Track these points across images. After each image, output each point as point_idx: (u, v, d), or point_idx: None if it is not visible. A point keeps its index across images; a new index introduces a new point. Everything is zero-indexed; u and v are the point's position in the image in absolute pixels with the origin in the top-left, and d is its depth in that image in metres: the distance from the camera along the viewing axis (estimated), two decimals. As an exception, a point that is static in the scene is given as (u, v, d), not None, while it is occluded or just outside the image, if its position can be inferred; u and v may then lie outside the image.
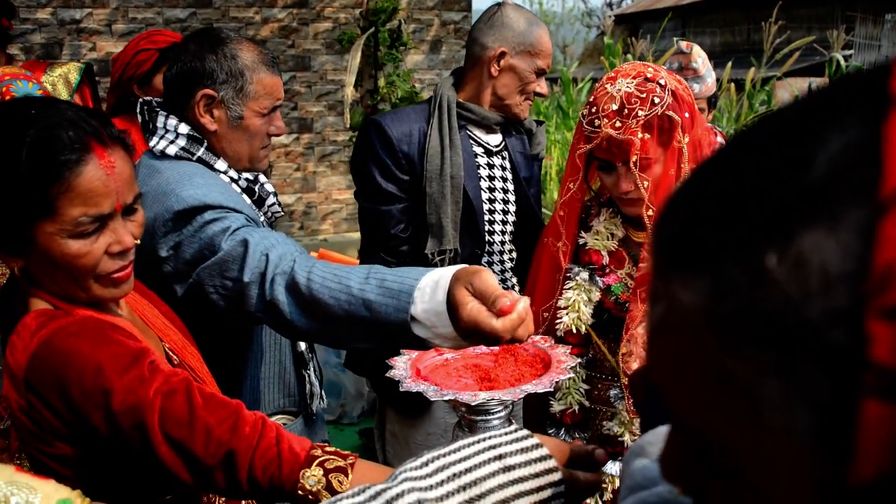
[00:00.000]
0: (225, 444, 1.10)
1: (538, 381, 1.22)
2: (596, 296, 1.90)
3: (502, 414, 1.20)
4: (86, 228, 1.17)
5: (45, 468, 1.18)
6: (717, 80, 6.38)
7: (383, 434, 2.64)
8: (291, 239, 1.56)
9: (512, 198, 2.37)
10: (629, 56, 9.23)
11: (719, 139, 2.99)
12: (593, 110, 1.79)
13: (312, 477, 1.07)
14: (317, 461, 1.08)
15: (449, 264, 2.14)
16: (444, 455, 0.82)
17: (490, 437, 0.84)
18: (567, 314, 1.91)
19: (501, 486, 0.79)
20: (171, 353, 1.40)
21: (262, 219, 1.82)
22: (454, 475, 0.80)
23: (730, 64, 5.44)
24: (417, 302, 1.21)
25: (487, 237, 2.32)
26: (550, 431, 1.97)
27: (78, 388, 1.11)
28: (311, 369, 1.93)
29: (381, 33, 4.22)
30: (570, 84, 9.89)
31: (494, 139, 2.37)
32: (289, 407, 1.89)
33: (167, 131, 1.73)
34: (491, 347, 1.61)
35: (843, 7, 14.95)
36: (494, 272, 2.34)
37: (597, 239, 1.93)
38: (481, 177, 2.31)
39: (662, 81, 1.76)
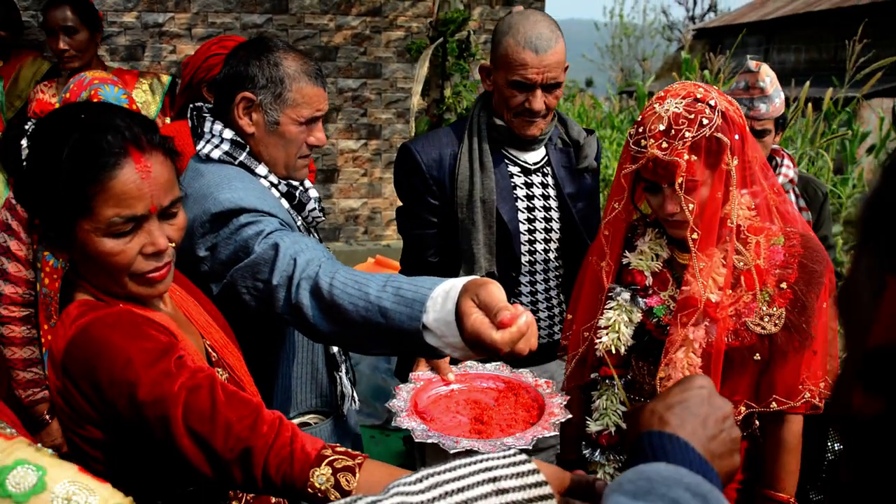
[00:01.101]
0: (244, 441, 1.13)
1: (522, 434, 1.34)
2: (637, 317, 1.88)
3: None
4: (119, 228, 1.23)
5: (78, 450, 1.25)
6: (795, 98, 6.20)
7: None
8: (322, 245, 1.61)
9: (555, 215, 2.31)
10: (706, 72, 9.05)
11: (786, 161, 2.90)
12: (640, 130, 1.77)
13: (322, 475, 1.10)
14: (326, 460, 1.11)
15: None
16: (438, 473, 0.83)
17: (487, 459, 0.84)
18: (607, 334, 1.89)
19: None
20: (210, 351, 1.45)
21: (299, 222, 1.87)
22: (446, 493, 0.80)
23: (808, 83, 5.27)
24: (430, 311, 1.24)
25: (529, 257, 2.28)
26: (586, 452, 1.95)
27: (107, 377, 1.17)
28: (343, 371, 1.96)
29: (450, 44, 4.27)
30: (646, 98, 9.75)
31: (534, 156, 2.30)
32: (320, 407, 1.93)
33: (213, 136, 1.80)
34: (496, 384, 1.67)
35: (939, 25, 14.33)
36: (538, 291, 2.31)
37: (641, 259, 1.90)
38: (518, 197, 2.27)
39: (712, 102, 1.73)
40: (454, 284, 1.24)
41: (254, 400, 1.21)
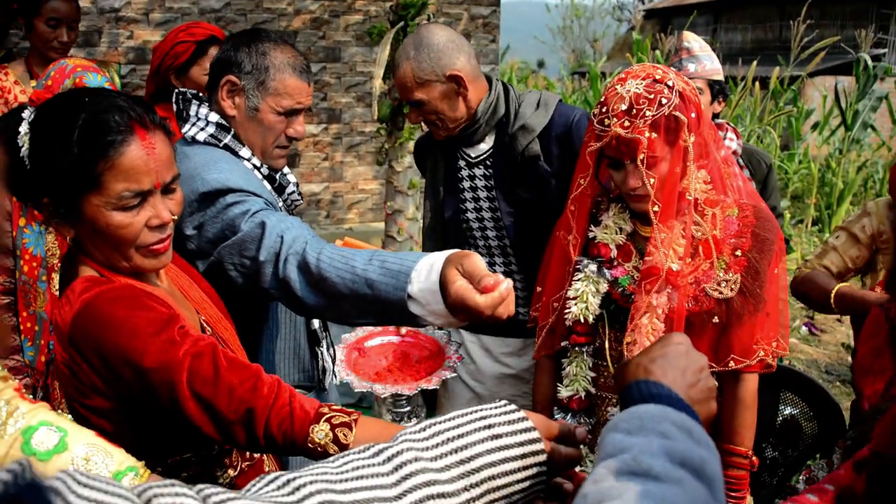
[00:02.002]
0: (246, 402, 1.22)
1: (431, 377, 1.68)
2: (604, 287, 1.99)
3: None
4: (128, 202, 1.31)
5: (83, 420, 1.31)
6: (742, 77, 6.40)
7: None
8: (305, 223, 1.69)
9: (502, 203, 2.37)
10: (657, 52, 9.23)
11: (729, 134, 3.05)
12: (604, 110, 1.87)
13: (321, 431, 1.19)
14: (324, 417, 1.20)
15: None
16: (440, 423, 0.93)
17: (482, 410, 0.95)
18: (576, 304, 2.00)
19: (489, 451, 0.90)
20: (205, 325, 1.53)
21: (280, 203, 1.94)
22: (448, 439, 0.90)
23: (755, 62, 5.45)
24: (414, 282, 1.34)
25: (484, 242, 2.45)
26: (558, 416, 2.07)
27: (114, 347, 1.25)
28: (324, 347, 2.05)
29: (410, 27, 4.32)
30: (598, 79, 9.91)
31: (477, 150, 2.39)
32: (303, 381, 2.02)
33: (198, 119, 1.87)
34: (428, 345, 1.94)
35: (879, 5, 14.75)
36: (497, 272, 2.43)
37: (605, 233, 2.01)
38: (464, 189, 2.42)
39: (670, 83, 1.84)
40: (437, 257, 1.35)
41: (253, 365, 1.29)
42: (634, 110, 1.81)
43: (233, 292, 1.68)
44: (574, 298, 2.01)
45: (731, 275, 1.88)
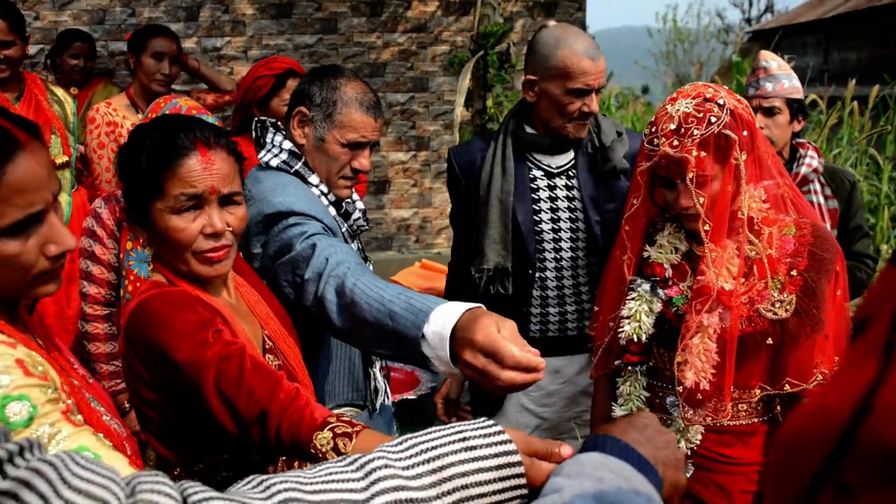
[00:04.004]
0: (262, 405, 1.30)
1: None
2: (657, 307, 1.98)
3: None
4: (183, 205, 1.45)
5: (139, 412, 1.47)
6: (853, 98, 6.14)
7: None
8: (356, 251, 1.80)
9: (580, 216, 2.40)
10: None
11: (810, 153, 2.96)
12: (653, 130, 1.88)
13: (323, 438, 1.25)
14: (329, 426, 1.26)
15: (489, 282, 2.36)
16: (416, 436, 0.94)
17: (459, 425, 0.95)
18: (629, 323, 2.00)
19: (462, 462, 0.89)
20: (267, 339, 1.63)
21: (343, 229, 2.04)
22: (421, 451, 0.91)
23: (853, 81, 5.25)
24: (431, 322, 1.35)
25: (556, 254, 2.41)
26: (612, 436, 2.06)
27: (154, 341, 1.38)
28: (377, 368, 2.12)
29: (490, 56, 4.41)
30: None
31: (559, 160, 2.42)
32: (356, 400, 2.10)
33: (273, 146, 2.01)
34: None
35: None
36: (566, 286, 2.43)
37: (660, 252, 2.01)
38: (540, 199, 2.40)
39: (721, 101, 1.83)
40: (460, 305, 1.35)
41: (277, 373, 1.38)
42: (683, 129, 1.82)
43: (293, 311, 1.78)
44: (628, 318, 2.01)
45: (786, 295, 1.84)
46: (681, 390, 1.90)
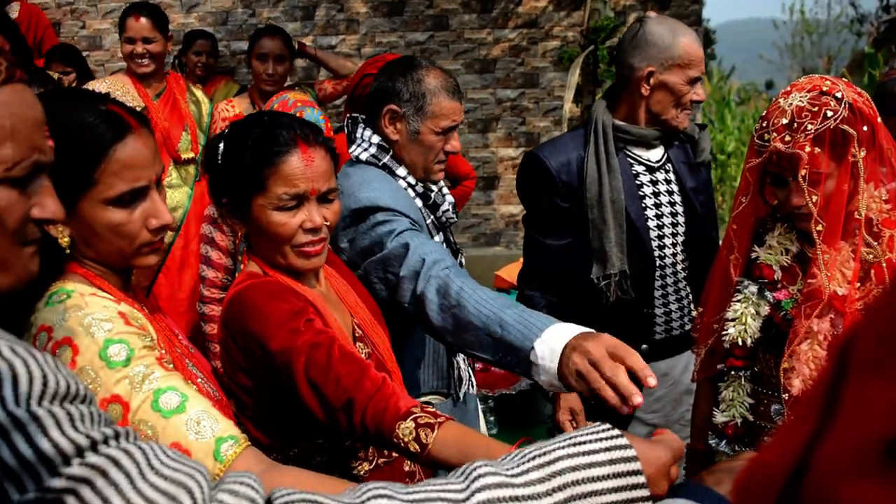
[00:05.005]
0: (348, 392, 1.33)
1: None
2: (765, 310, 1.90)
3: None
4: (285, 203, 1.50)
5: (235, 397, 1.52)
6: None
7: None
8: (445, 248, 1.83)
9: (680, 210, 2.37)
10: None
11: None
12: (764, 124, 1.80)
13: (406, 428, 1.26)
14: (412, 416, 1.27)
15: (615, 287, 2.27)
16: (523, 449, 0.90)
17: (569, 433, 0.91)
18: (734, 326, 1.92)
19: (572, 456, 0.85)
20: (356, 328, 1.67)
21: (429, 220, 2.07)
22: (527, 455, 0.87)
23: None
24: (543, 339, 1.38)
25: (659, 252, 2.34)
26: (713, 442, 1.99)
27: (250, 329, 1.43)
28: (461, 357, 2.13)
29: (601, 50, 4.34)
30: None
31: (655, 154, 2.37)
32: (441, 388, 2.12)
33: (363, 140, 2.06)
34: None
35: None
36: (668, 285, 2.36)
37: (769, 253, 1.92)
38: (645, 195, 2.33)
39: (839, 94, 1.73)
40: (573, 326, 1.39)
41: (365, 362, 1.41)
42: (795, 124, 1.73)
43: (382, 305, 1.82)
44: (732, 320, 1.93)
45: (906, 301, 1.72)
46: (787, 398, 1.81)
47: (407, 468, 1.69)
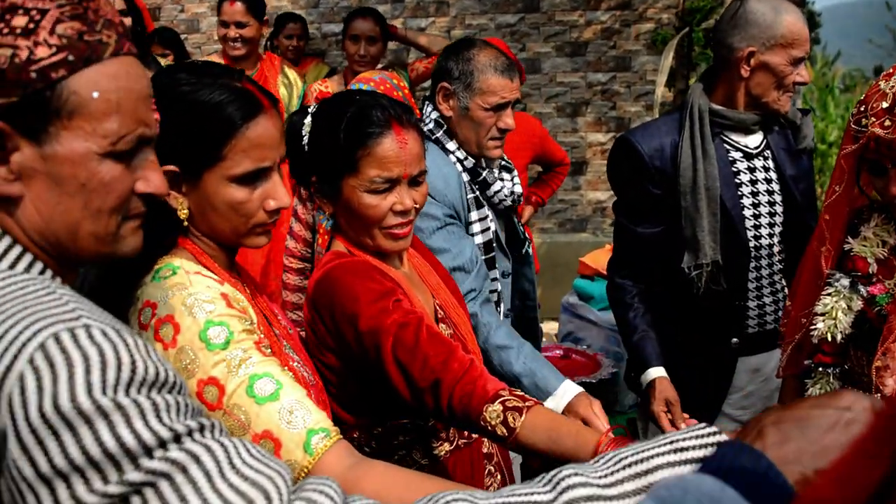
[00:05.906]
0: (436, 373, 1.32)
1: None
2: (857, 305, 1.81)
3: None
4: (378, 187, 1.50)
5: (321, 375, 1.51)
6: None
7: (646, 428, 2.70)
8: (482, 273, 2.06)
9: (778, 199, 2.25)
10: None
11: None
12: (862, 109, 1.71)
13: (493, 411, 1.25)
14: (500, 399, 1.26)
15: (707, 278, 2.18)
16: (615, 452, 0.83)
17: (673, 434, 0.82)
18: (822, 321, 1.84)
19: (671, 465, 0.77)
20: (438, 309, 1.68)
21: (470, 196, 2.17)
22: (620, 459, 0.80)
23: None
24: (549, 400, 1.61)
25: (755, 242, 2.23)
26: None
27: (340, 309, 1.44)
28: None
29: (696, 33, 4.20)
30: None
31: (754, 140, 2.26)
32: None
33: (426, 116, 2.21)
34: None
35: None
36: (763, 276, 2.27)
37: (864, 245, 1.83)
38: (742, 182, 2.22)
39: (948, 78, 1.63)
40: (574, 388, 1.62)
41: (453, 343, 1.39)
42: (897, 108, 1.63)
43: None
44: (822, 315, 1.85)
45: None
46: (879, 398, 1.72)
47: (485, 450, 1.69)
